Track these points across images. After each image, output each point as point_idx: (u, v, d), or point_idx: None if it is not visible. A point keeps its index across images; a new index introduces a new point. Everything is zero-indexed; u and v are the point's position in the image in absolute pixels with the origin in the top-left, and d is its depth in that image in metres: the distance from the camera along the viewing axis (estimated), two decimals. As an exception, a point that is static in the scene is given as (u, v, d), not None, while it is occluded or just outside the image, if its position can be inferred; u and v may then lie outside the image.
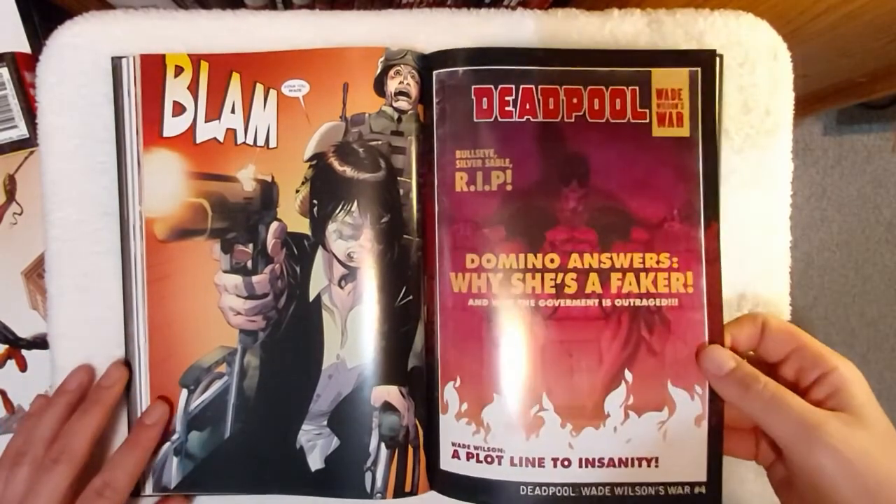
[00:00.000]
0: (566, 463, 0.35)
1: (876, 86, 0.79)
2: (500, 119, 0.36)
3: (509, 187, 0.36)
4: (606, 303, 0.36)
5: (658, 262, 0.36)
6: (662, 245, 0.36)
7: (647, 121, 0.36)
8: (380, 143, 0.37)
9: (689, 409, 0.35)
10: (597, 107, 0.36)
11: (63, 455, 0.33)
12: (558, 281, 0.36)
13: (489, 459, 0.35)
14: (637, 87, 0.36)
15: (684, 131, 0.36)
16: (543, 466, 0.35)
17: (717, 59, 0.38)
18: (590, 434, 0.35)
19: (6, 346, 0.45)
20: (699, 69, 0.36)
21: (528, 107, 0.36)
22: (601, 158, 0.36)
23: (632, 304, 0.36)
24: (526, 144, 0.36)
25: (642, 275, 0.36)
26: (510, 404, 0.35)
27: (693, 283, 0.35)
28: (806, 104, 0.91)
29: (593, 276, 0.36)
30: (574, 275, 0.36)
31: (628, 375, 0.35)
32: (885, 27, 0.57)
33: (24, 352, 0.45)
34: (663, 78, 0.36)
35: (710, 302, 0.35)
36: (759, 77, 0.39)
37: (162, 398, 0.37)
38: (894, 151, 1.17)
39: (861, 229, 1.19)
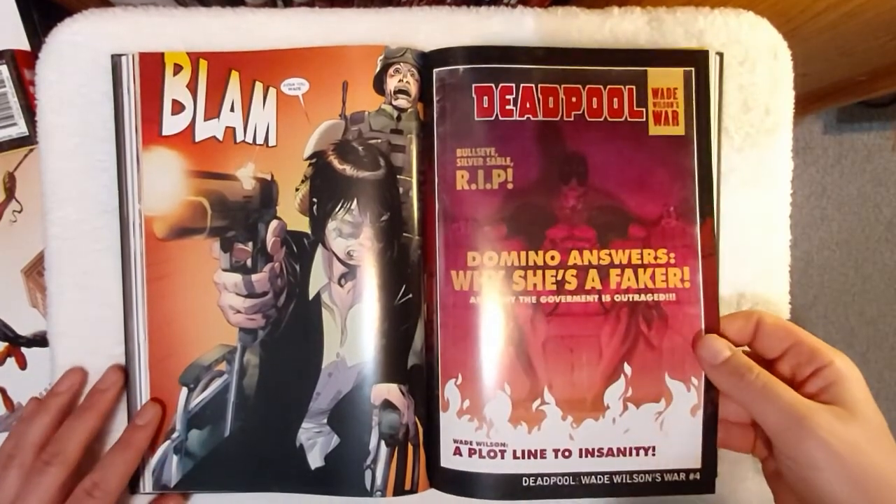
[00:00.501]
0: (567, 454, 0.36)
1: (876, 84, 0.79)
2: (500, 118, 0.36)
3: (510, 186, 0.36)
4: (606, 298, 0.36)
5: (656, 258, 0.36)
6: (660, 241, 0.36)
7: (644, 119, 0.37)
8: (379, 141, 0.37)
9: (685, 399, 0.36)
10: (595, 106, 0.36)
11: (55, 458, 0.33)
12: (559, 278, 0.36)
13: (492, 454, 0.36)
14: (634, 87, 0.37)
15: (679, 130, 0.37)
16: (545, 458, 0.36)
17: (718, 58, 0.38)
18: (590, 426, 0.36)
19: (6, 344, 0.45)
20: (693, 69, 0.37)
21: (528, 105, 0.36)
22: (599, 157, 0.36)
23: (630, 299, 0.36)
24: (526, 143, 0.36)
25: (640, 271, 0.36)
26: (512, 400, 0.36)
27: (690, 277, 0.36)
28: (806, 103, 0.91)
29: (593, 273, 0.36)
30: (574, 271, 0.36)
31: (627, 369, 0.36)
32: (885, 25, 0.57)
33: (23, 349, 0.45)
34: (659, 77, 0.37)
35: (706, 296, 0.36)
36: (759, 76, 0.39)
37: (156, 399, 0.37)
38: (894, 150, 1.17)
39: (861, 228, 1.19)
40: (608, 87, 0.37)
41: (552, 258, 0.36)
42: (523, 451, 0.36)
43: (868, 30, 0.58)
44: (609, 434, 0.36)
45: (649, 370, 0.36)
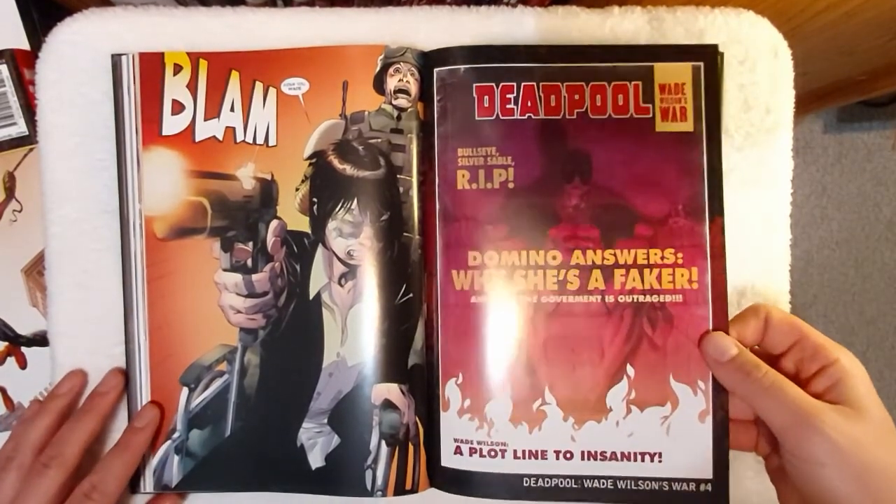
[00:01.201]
0: (568, 455, 0.36)
1: (876, 84, 0.79)
2: (501, 117, 0.36)
3: (511, 185, 0.36)
4: (609, 299, 0.36)
5: (663, 258, 0.35)
6: (667, 241, 0.35)
7: (651, 116, 0.36)
8: (379, 140, 0.37)
9: (691, 404, 0.35)
10: (599, 103, 0.36)
11: (54, 460, 0.33)
12: (560, 278, 0.36)
13: (492, 454, 0.36)
14: (640, 83, 0.36)
15: (688, 126, 0.36)
16: (546, 459, 0.36)
17: (719, 56, 0.38)
18: (592, 428, 0.35)
19: (6, 344, 0.45)
20: (702, 63, 0.36)
21: (529, 104, 0.36)
22: (603, 155, 0.36)
23: (635, 300, 0.36)
24: (528, 142, 0.36)
25: (646, 271, 0.35)
26: (513, 400, 0.36)
27: (698, 278, 0.35)
28: (806, 102, 0.91)
29: (596, 273, 0.36)
30: (576, 271, 0.36)
31: (630, 370, 0.35)
32: (884, 25, 0.57)
33: (23, 349, 0.45)
34: (666, 73, 0.36)
35: (714, 297, 0.35)
36: (760, 75, 0.39)
37: (155, 401, 0.37)
38: (894, 149, 1.17)
39: (861, 227, 1.19)
40: (613, 83, 0.36)
41: (554, 258, 0.36)
42: (524, 451, 0.36)
43: (868, 29, 0.58)
44: (612, 437, 0.35)
45: (653, 372, 0.35)
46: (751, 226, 0.39)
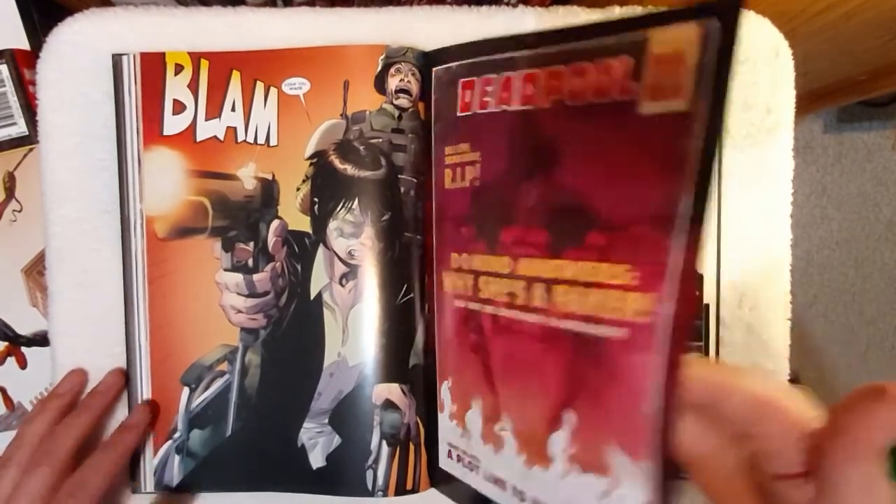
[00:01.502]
0: (522, 497, 0.31)
1: (876, 84, 0.79)
2: (477, 111, 0.34)
3: (477, 183, 0.33)
4: (551, 322, 0.29)
5: (612, 277, 0.26)
6: (623, 254, 0.26)
7: (636, 96, 0.26)
8: (380, 140, 0.36)
9: (633, 489, 0.25)
10: (578, 87, 0.28)
11: (46, 458, 0.33)
12: (509, 289, 0.31)
13: (470, 465, 0.34)
14: (629, 56, 0.27)
15: (681, 105, 0.25)
16: (505, 490, 0.32)
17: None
18: (538, 474, 0.29)
19: (6, 344, 0.45)
20: (717, 21, 0.24)
21: (504, 95, 0.32)
22: (573, 147, 0.29)
23: (574, 328, 0.28)
24: (496, 136, 0.32)
25: (592, 291, 0.27)
26: (483, 416, 0.33)
27: (652, 309, 0.25)
28: (806, 102, 0.91)
29: (539, 288, 0.29)
30: (523, 283, 0.30)
31: (570, 418, 0.28)
32: (884, 25, 0.57)
33: (23, 349, 0.45)
34: (665, 39, 0.26)
35: (674, 340, 0.24)
36: (760, 75, 0.39)
37: (148, 402, 0.37)
38: (894, 149, 1.17)
39: (861, 227, 1.19)
40: (595, 60, 0.28)
41: (504, 265, 0.31)
42: (489, 475, 0.33)
43: (868, 29, 0.58)
44: (556, 493, 0.28)
45: (592, 428, 0.27)
46: (751, 226, 0.39)
